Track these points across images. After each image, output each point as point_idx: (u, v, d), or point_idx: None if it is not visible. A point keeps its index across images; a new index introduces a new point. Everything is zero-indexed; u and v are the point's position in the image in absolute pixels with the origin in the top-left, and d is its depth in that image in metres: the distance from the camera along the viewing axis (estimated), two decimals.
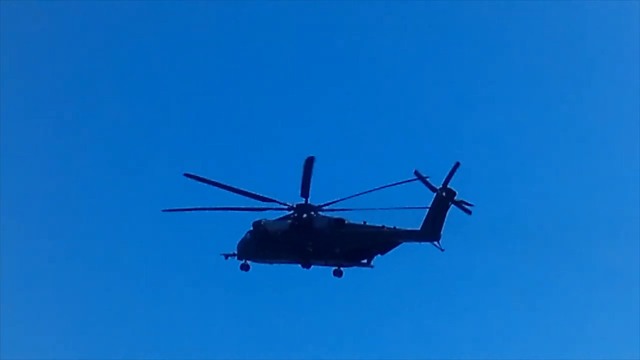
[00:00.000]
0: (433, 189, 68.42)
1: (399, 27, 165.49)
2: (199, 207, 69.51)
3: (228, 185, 69.05)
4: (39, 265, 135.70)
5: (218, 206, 69.17)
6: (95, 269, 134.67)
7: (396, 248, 71.07)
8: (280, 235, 69.75)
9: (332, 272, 72.05)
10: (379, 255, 71.60)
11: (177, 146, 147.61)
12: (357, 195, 67.21)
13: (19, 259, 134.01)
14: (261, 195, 69.49)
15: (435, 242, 69.39)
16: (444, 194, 68.04)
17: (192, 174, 68.51)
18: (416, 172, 67.46)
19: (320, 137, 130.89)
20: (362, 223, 70.75)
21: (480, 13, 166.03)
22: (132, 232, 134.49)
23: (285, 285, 78.23)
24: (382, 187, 66.65)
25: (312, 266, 71.06)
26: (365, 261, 70.85)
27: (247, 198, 69.05)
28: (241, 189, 69.21)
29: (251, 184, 72.08)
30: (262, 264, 72.57)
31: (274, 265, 73.16)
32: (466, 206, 69.96)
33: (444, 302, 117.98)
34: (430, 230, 67.70)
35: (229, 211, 68.74)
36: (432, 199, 68.43)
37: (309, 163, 66.97)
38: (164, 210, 71.80)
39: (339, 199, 68.77)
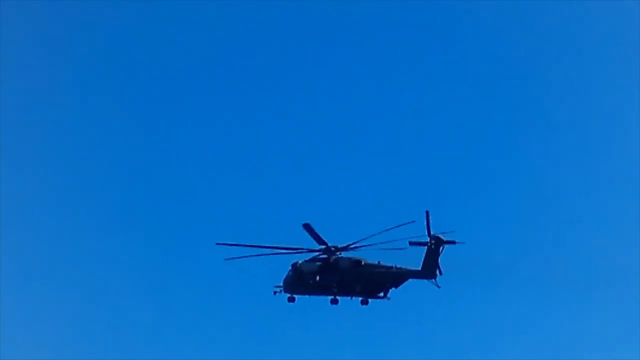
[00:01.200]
0: (425, 243, 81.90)
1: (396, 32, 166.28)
2: (253, 244, 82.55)
3: (257, 244, 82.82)
4: (39, 265, 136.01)
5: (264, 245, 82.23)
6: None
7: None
8: (312, 275, 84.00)
9: (359, 302, 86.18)
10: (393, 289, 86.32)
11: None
12: (372, 236, 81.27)
13: (19, 259, 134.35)
14: (293, 247, 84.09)
15: (432, 280, 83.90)
16: (432, 243, 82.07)
17: (231, 257, 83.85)
18: (426, 212, 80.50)
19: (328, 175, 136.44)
20: (377, 262, 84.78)
21: (480, 13, 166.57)
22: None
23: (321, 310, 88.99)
24: (391, 228, 79.63)
25: (340, 300, 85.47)
26: (382, 294, 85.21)
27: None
28: (270, 245, 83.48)
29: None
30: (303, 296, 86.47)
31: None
32: (457, 243, 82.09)
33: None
34: (427, 272, 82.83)
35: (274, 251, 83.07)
36: (425, 248, 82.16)
37: (308, 228, 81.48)
38: (218, 244, 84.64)
39: (357, 240, 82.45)
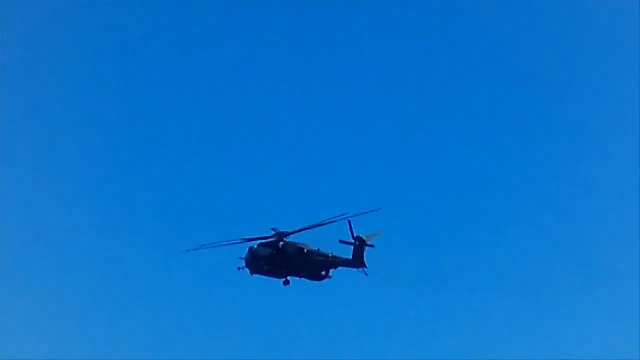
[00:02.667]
0: (352, 243, 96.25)
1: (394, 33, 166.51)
2: (215, 243, 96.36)
3: (224, 242, 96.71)
4: (40, 266, 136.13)
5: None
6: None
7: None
8: (264, 258, 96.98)
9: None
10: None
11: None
12: (315, 226, 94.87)
13: (19, 259, 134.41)
14: (250, 238, 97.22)
15: (362, 269, 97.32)
16: (357, 243, 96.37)
17: (191, 249, 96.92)
18: (349, 221, 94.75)
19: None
20: (317, 250, 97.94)
21: (480, 13, 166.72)
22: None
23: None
24: (331, 220, 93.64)
25: (290, 280, 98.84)
26: (324, 273, 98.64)
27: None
28: (234, 241, 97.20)
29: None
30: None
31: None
32: (370, 247, 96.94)
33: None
34: (357, 262, 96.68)
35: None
36: (353, 246, 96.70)
37: (277, 233, 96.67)
38: (187, 250, 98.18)
39: (301, 228, 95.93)
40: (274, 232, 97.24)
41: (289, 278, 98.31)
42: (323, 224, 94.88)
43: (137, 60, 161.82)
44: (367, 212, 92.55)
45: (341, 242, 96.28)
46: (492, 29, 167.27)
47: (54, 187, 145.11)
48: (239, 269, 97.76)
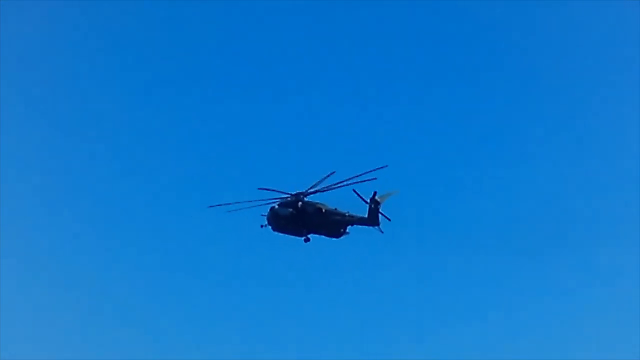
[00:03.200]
0: (366, 202, 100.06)
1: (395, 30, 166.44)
2: (237, 202, 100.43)
3: (247, 200, 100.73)
4: (39, 266, 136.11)
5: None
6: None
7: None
8: (284, 218, 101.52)
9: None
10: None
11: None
12: (332, 187, 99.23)
13: (19, 259, 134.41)
14: (270, 198, 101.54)
15: (377, 227, 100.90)
16: (372, 205, 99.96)
17: (215, 205, 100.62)
18: (354, 190, 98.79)
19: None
20: (335, 209, 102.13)
21: (480, 13, 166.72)
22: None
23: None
24: (349, 180, 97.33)
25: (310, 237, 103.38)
26: (342, 231, 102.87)
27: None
28: (256, 200, 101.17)
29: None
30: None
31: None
32: (386, 218, 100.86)
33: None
34: (372, 220, 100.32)
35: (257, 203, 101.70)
36: (368, 205, 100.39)
37: (295, 193, 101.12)
38: (210, 206, 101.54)
39: (316, 189, 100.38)
40: (292, 193, 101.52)
41: (309, 235, 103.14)
42: (337, 186, 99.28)
43: (137, 60, 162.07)
44: (375, 170, 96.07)
45: (354, 191, 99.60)
46: (492, 28, 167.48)
47: (54, 187, 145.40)
48: (261, 226, 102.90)
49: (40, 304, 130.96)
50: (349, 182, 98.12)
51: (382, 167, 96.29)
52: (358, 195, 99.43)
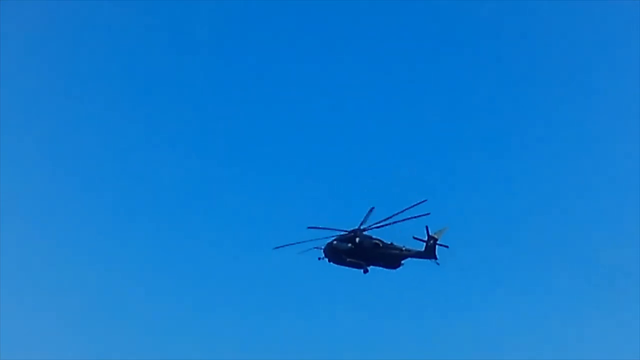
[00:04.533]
0: (425, 241, 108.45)
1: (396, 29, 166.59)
2: (300, 241, 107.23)
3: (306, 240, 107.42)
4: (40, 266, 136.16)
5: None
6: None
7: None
8: (343, 252, 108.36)
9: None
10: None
11: None
12: (388, 222, 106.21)
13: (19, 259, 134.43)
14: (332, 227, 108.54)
15: (434, 260, 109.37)
16: (430, 242, 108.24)
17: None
18: (427, 229, 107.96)
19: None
20: (391, 243, 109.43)
21: (480, 14, 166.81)
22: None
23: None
24: (403, 220, 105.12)
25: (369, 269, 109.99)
26: (395, 267, 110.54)
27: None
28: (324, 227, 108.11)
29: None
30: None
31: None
32: (444, 246, 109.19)
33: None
34: (429, 254, 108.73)
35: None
36: (426, 239, 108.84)
37: (353, 229, 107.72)
38: (275, 248, 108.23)
39: (375, 224, 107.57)
40: (352, 229, 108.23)
41: (368, 267, 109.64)
42: (391, 222, 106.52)
43: (137, 60, 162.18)
44: (415, 205, 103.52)
45: (415, 238, 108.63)
46: (491, 29, 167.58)
47: (54, 187, 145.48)
48: (319, 258, 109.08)
49: (40, 304, 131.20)
50: (399, 217, 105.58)
51: (421, 202, 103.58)
52: (427, 230, 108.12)
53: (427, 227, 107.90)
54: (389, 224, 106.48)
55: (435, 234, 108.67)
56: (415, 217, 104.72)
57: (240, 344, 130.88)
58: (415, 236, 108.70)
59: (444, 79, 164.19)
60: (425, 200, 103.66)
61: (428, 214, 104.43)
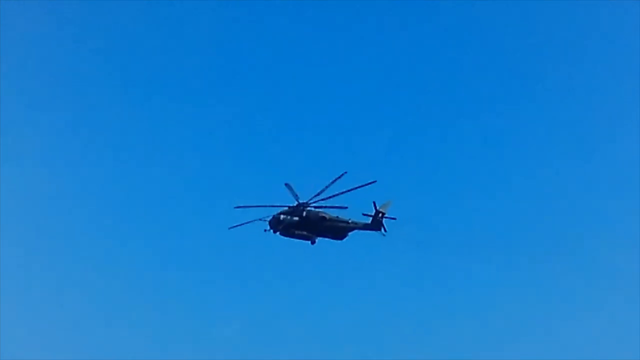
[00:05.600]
0: (372, 215, 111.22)
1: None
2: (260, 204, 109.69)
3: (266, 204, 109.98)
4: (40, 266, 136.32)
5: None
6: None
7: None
8: (289, 225, 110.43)
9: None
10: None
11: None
12: (333, 196, 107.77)
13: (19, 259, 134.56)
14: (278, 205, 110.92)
15: (380, 232, 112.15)
16: (379, 215, 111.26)
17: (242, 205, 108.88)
18: (374, 204, 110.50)
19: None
20: (336, 217, 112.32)
21: (480, 13, 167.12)
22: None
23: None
24: (348, 190, 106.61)
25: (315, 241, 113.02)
26: (342, 238, 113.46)
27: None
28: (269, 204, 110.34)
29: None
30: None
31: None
32: (391, 219, 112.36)
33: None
34: (376, 226, 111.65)
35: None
36: (373, 214, 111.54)
37: (288, 187, 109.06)
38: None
39: (321, 198, 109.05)
40: (296, 203, 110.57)
41: (315, 238, 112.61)
42: (334, 195, 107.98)
43: (137, 60, 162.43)
44: (364, 185, 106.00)
45: (364, 214, 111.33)
46: (492, 29, 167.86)
47: (54, 188, 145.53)
48: (265, 230, 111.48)
49: (40, 304, 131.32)
50: (346, 192, 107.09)
51: (371, 183, 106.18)
52: (374, 205, 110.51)
53: (374, 203, 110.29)
54: (335, 196, 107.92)
55: (381, 207, 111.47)
56: (361, 186, 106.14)
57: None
58: (365, 213, 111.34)
59: (442, 77, 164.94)
60: (375, 181, 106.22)
61: (375, 181, 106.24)
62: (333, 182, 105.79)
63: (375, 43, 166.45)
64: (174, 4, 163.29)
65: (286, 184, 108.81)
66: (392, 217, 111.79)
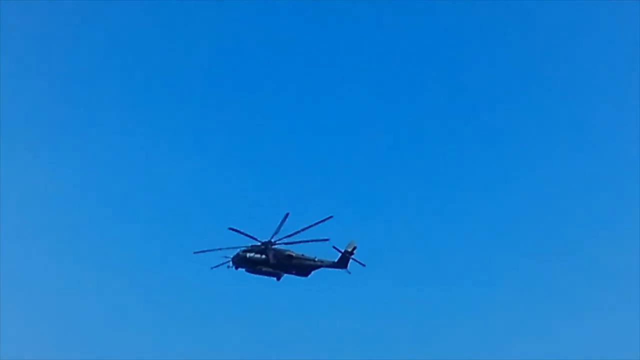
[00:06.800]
0: (340, 252, 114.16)
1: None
2: (219, 248, 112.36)
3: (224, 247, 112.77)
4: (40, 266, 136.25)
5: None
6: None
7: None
8: (254, 262, 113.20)
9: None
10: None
11: None
12: (298, 232, 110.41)
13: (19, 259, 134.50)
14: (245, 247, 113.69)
15: (345, 270, 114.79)
16: (347, 254, 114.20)
17: (236, 228, 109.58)
18: (336, 248, 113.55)
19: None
20: (302, 255, 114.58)
21: (479, 13, 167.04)
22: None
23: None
24: (309, 226, 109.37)
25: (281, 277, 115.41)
26: (307, 275, 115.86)
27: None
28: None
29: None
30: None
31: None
32: (360, 264, 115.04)
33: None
34: (341, 264, 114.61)
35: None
36: (342, 252, 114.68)
37: (235, 230, 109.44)
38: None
39: (285, 236, 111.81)
40: (262, 242, 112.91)
41: (280, 274, 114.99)
42: (297, 234, 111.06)
43: (137, 60, 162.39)
44: (320, 221, 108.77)
45: (334, 247, 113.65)
46: (492, 29, 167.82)
47: (54, 188, 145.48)
48: (228, 267, 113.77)
49: (40, 304, 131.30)
50: (308, 229, 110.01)
51: (327, 218, 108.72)
52: (337, 249, 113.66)
53: (334, 247, 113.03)
54: (296, 233, 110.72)
55: (348, 247, 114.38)
56: (319, 222, 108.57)
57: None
58: (335, 246, 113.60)
59: (441, 76, 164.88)
60: (331, 216, 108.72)
61: (331, 217, 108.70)
62: (308, 227, 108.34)
63: (375, 43, 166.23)
64: (174, 4, 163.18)
65: (230, 229, 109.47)
66: (362, 263, 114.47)
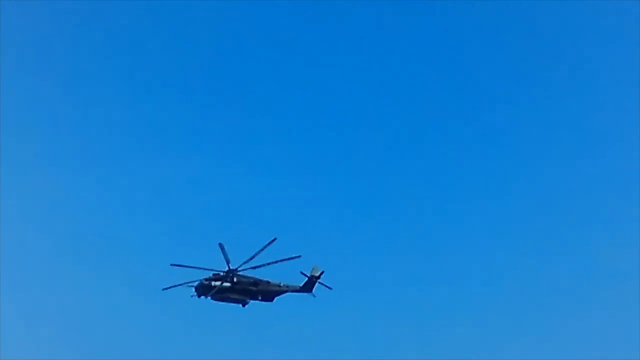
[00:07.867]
0: (306, 275, 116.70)
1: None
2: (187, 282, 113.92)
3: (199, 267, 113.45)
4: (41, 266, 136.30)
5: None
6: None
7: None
8: (220, 290, 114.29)
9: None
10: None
11: None
12: (264, 265, 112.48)
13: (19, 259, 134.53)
14: (208, 268, 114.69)
15: (310, 294, 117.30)
16: (313, 279, 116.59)
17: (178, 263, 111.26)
18: (302, 272, 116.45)
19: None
20: (267, 282, 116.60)
21: (479, 13, 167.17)
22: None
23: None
24: (277, 262, 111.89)
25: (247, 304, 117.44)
26: (272, 300, 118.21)
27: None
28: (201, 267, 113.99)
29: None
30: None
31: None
32: (327, 287, 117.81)
33: None
34: (307, 289, 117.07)
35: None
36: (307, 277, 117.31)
37: (222, 247, 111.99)
38: (172, 265, 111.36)
39: (250, 267, 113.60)
40: (226, 269, 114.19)
41: (247, 300, 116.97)
42: (261, 266, 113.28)
43: (137, 60, 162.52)
44: (290, 259, 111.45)
45: (301, 272, 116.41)
46: (492, 29, 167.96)
47: (53, 188, 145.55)
48: (191, 296, 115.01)
49: (40, 304, 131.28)
50: (272, 263, 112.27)
51: (295, 257, 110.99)
52: (304, 274, 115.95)
53: (302, 272, 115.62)
54: (263, 265, 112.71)
55: (313, 272, 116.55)
56: (286, 259, 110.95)
57: None
58: (304, 272, 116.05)
59: (441, 75, 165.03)
60: (299, 256, 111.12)
61: (299, 256, 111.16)
62: (263, 248, 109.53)
63: (375, 43, 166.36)
64: (174, 4, 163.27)
65: (220, 244, 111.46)
66: (328, 286, 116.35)
